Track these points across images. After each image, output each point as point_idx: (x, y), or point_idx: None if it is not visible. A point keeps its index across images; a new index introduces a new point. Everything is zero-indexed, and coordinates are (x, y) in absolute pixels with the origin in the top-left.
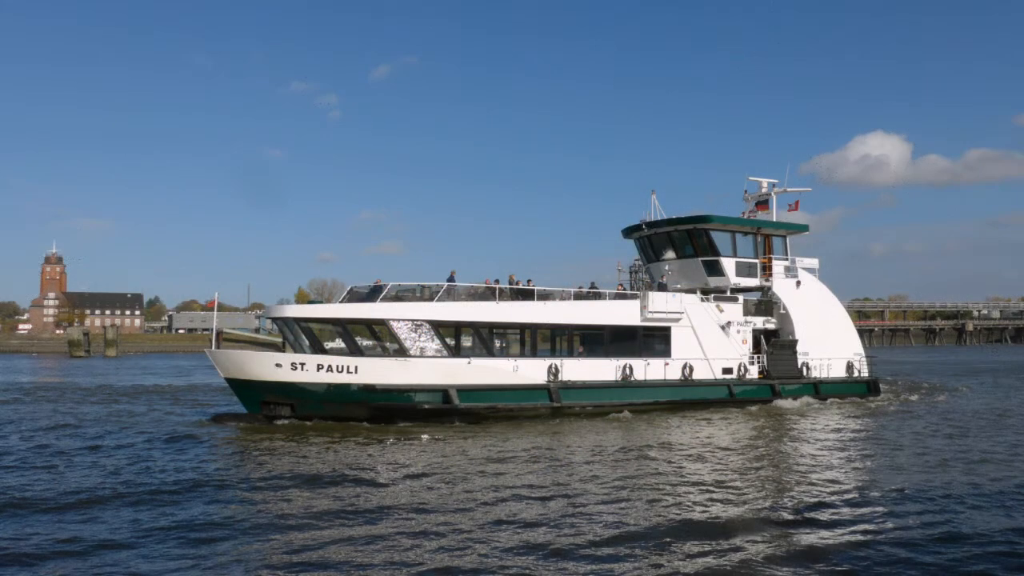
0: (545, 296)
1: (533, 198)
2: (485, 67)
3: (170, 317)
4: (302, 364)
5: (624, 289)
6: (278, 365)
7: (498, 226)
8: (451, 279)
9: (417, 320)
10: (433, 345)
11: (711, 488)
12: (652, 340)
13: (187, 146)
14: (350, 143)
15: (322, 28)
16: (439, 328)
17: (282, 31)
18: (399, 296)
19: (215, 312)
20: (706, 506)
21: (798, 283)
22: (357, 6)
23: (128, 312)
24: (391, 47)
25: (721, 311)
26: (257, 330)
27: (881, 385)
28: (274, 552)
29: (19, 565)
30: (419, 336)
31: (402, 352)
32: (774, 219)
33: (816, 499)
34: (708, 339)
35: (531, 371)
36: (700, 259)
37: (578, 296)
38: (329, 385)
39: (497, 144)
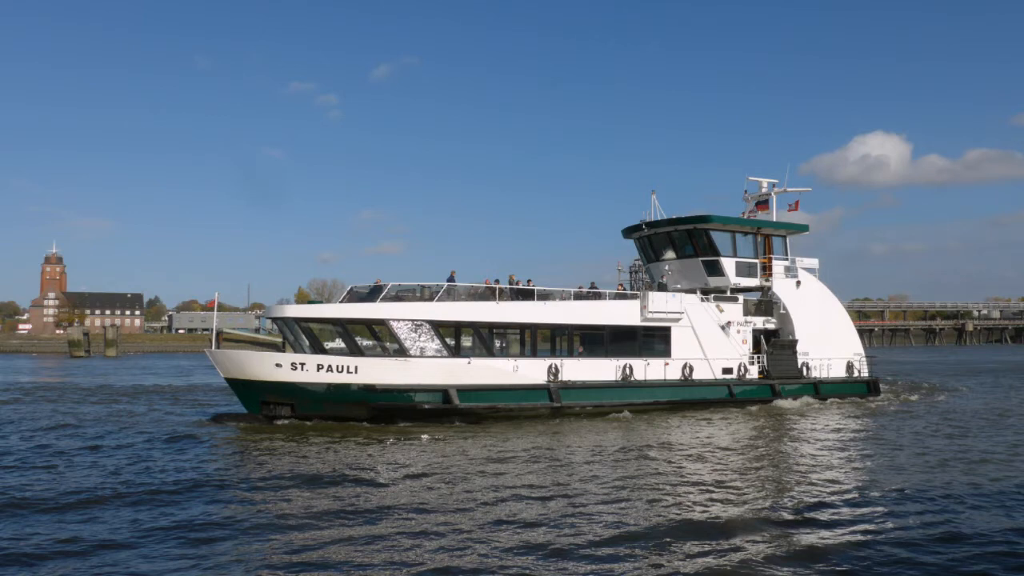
0: (545, 296)
1: (533, 198)
2: (485, 67)
3: (170, 317)
4: (302, 364)
5: (624, 289)
6: (278, 365)
7: (498, 226)
8: (451, 279)
9: (417, 320)
10: (433, 345)
11: (711, 488)
12: (652, 340)
13: (187, 146)
14: (350, 143)
15: (322, 28)
16: (439, 328)
17: (282, 31)
18: (399, 296)
19: (215, 312)
20: (706, 506)
21: (798, 283)
22: (357, 6)
23: (128, 312)
24: (391, 47)
25: (721, 311)
26: (257, 330)
27: (881, 385)
28: (274, 552)
29: (19, 565)
30: (419, 336)
31: (402, 352)
32: (774, 219)
33: (816, 499)
34: (708, 339)
35: (531, 371)
36: (700, 259)
37: (578, 296)
38: (329, 385)
39: (497, 144)
